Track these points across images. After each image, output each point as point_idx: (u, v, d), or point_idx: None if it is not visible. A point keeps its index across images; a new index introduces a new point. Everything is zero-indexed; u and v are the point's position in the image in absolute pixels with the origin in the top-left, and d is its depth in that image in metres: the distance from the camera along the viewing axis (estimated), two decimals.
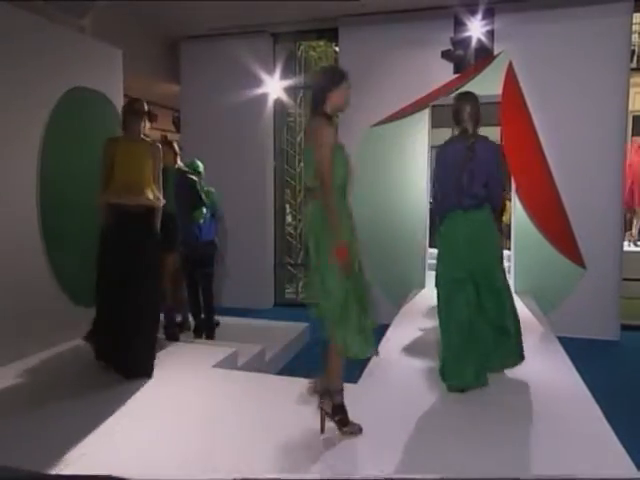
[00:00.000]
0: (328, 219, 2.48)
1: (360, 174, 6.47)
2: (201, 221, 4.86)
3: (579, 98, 5.73)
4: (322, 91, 2.57)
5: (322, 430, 2.64)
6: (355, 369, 3.61)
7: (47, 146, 4.24)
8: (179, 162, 4.84)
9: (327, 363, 2.64)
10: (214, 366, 3.78)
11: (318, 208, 2.54)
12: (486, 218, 3.29)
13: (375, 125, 6.31)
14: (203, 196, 4.83)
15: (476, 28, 5.83)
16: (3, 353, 3.65)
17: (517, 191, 5.98)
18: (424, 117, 6.27)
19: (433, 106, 6.30)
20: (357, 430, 2.64)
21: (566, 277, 5.81)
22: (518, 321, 3.45)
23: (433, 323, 4.84)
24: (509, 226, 6.80)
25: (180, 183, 4.64)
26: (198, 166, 5.01)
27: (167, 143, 4.83)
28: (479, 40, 5.86)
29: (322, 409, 2.62)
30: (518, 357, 3.43)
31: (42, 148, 4.21)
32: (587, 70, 5.69)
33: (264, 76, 6.86)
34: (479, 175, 3.19)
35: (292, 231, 8.39)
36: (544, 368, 3.70)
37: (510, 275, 6.23)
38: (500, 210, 3.51)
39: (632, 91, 6.19)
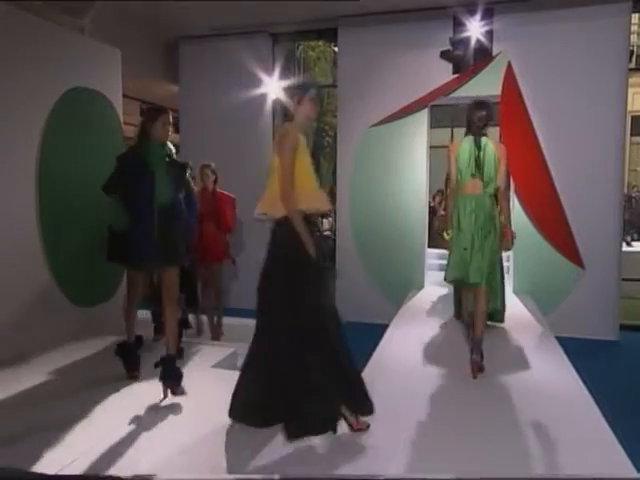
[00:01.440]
0: (504, 213, 3.71)
1: (359, 174, 6.51)
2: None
3: (578, 98, 5.73)
4: (490, 119, 3.65)
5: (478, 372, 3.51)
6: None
7: (46, 146, 4.23)
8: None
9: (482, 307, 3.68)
10: (213, 366, 3.78)
11: (490, 203, 3.57)
12: None
13: (374, 125, 6.32)
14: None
15: (475, 28, 5.83)
16: (2, 353, 3.65)
17: (516, 191, 5.97)
18: (423, 117, 6.27)
19: (432, 106, 6.31)
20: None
21: (565, 277, 5.81)
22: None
23: (432, 323, 4.87)
24: None
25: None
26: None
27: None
28: (478, 40, 5.86)
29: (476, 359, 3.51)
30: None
31: (41, 148, 4.20)
32: (586, 70, 5.69)
33: (263, 76, 6.85)
34: None
35: None
36: (543, 368, 3.71)
37: (510, 275, 6.24)
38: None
39: (631, 91, 6.20)
